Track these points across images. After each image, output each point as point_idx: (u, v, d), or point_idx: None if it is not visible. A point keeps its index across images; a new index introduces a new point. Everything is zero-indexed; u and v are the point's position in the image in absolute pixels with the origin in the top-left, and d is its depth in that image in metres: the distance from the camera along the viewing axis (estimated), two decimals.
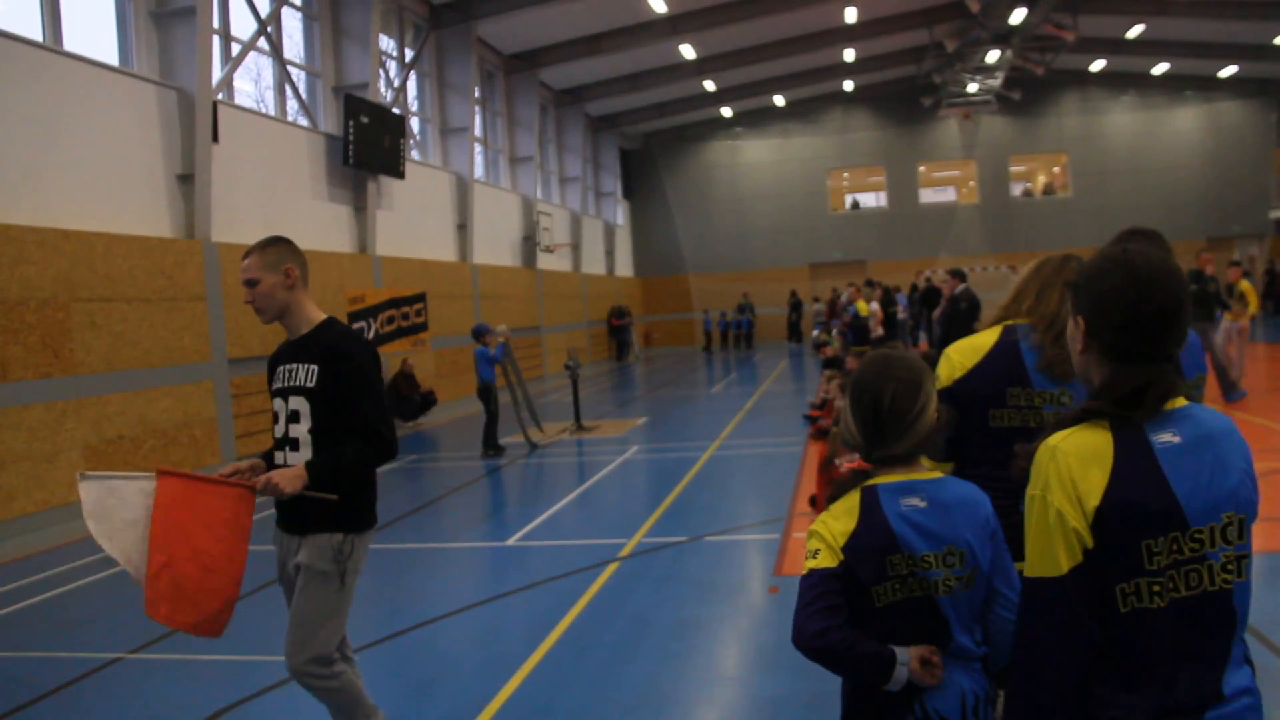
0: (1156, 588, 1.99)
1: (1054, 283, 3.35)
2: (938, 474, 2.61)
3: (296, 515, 4.21)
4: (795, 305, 38.74)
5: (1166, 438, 2.06)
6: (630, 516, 9.95)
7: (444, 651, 6.43)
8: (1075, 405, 2.27)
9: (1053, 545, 2.03)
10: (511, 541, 9.31)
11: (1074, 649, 2.03)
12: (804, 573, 2.52)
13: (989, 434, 3.28)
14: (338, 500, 4.05)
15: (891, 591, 2.46)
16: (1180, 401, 2.12)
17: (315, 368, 4.13)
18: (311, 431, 4.13)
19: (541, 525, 9.88)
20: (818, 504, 8.92)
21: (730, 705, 5.37)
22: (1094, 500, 2.00)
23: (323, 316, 4.35)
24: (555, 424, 17.05)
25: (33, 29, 12.17)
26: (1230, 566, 2.01)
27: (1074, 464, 2.03)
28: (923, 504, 2.49)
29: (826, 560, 2.49)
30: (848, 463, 8.50)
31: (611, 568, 7.95)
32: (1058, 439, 2.08)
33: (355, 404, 4.08)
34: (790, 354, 33.95)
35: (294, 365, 4.20)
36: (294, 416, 4.16)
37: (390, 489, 12.82)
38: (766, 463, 12.64)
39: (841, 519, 2.53)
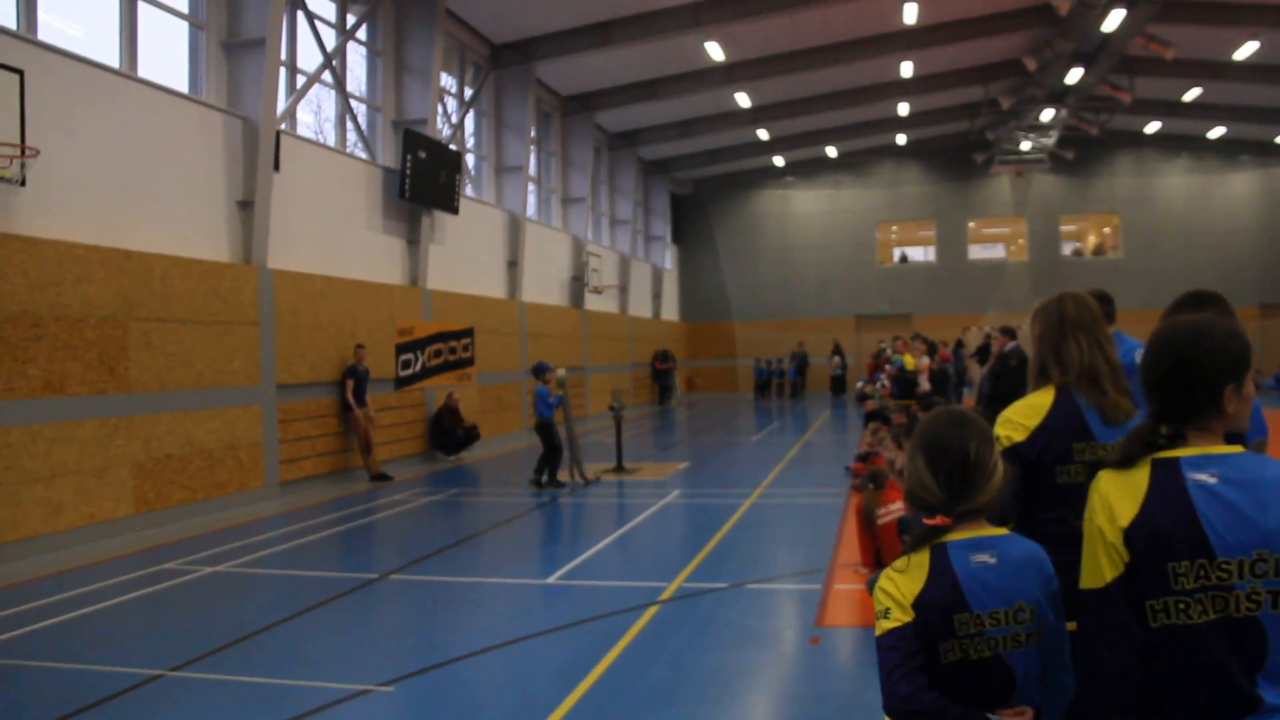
0: (1183, 606, 2.24)
1: (1064, 339, 3.43)
2: (1004, 530, 2.61)
3: None
4: (833, 354, 38.48)
5: (1203, 477, 2.30)
6: (671, 560, 9.93)
7: (478, 689, 6.41)
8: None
9: (1098, 559, 2.35)
10: (551, 580, 9.31)
11: (1123, 651, 2.29)
12: (880, 634, 2.52)
13: (1055, 490, 3.28)
14: None
15: (957, 650, 2.46)
16: (1233, 448, 2.36)
17: None
18: None
19: (582, 565, 9.88)
20: (865, 559, 8.86)
21: None
22: (1124, 521, 2.31)
23: None
24: (596, 465, 17.07)
25: (110, 55, 12.49)
26: (1256, 597, 2.22)
27: (1112, 491, 2.36)
28: (993, 560, 2.50)
29: (900, 617, 2.49)
30: (889, 516, 8.46)
31: (651, 611, 7.92)
32: (1102, 473, 2.43)
33: None
34: (832, 406, 33.82)
35: None
36: None
37: (430, 522, 12.88)
38: (808, 513, 12.58)
39: (910, 575, 2.54)
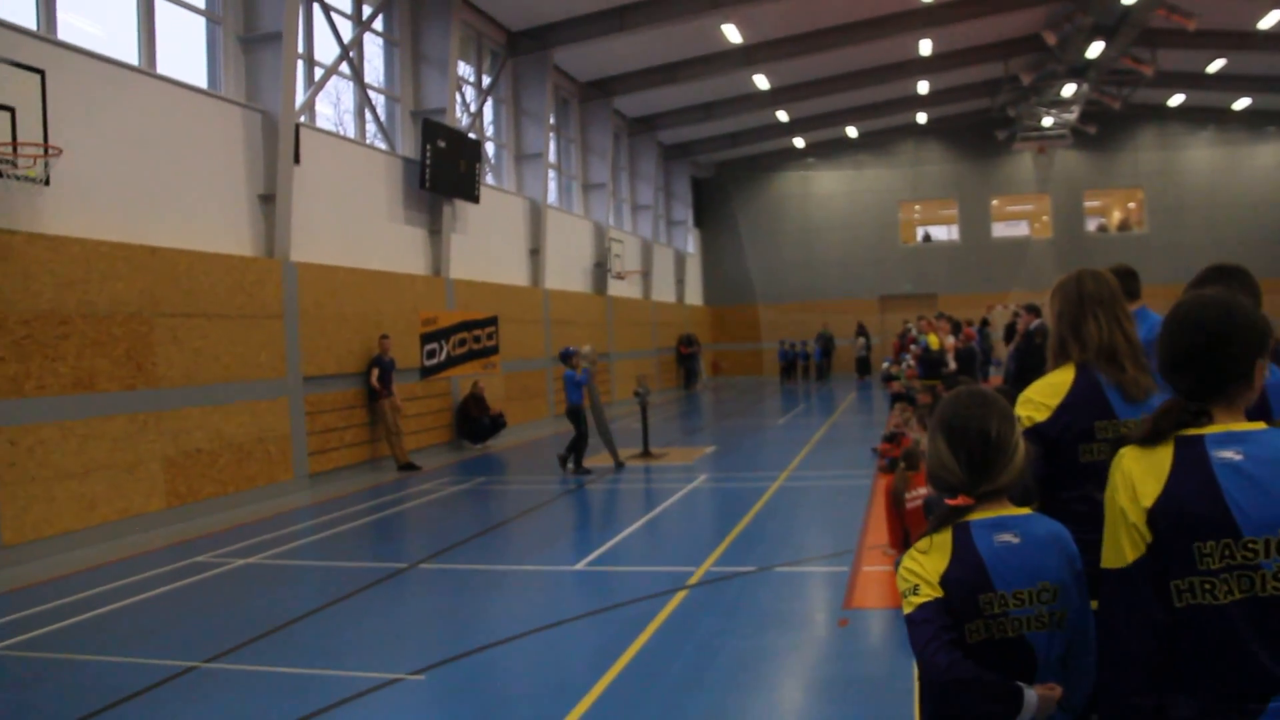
0: (1208, 586, 2.19)
1: (1083, 317, 3.40)
2: (1027, 510, 2.60)
3: None
4: (857, 335, 38.36)
5: (1228, 455, 2.25)
6: (698, 545, 9.94)
7: (508, 676, 6.45)
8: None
9: (1119, 539, 2.30)
10: (579, 566, 9.34)
11: (1143, 631, 2.25)
12: (911, 610, 2.50)
13: (1077, 469, 3.26)
14: None
15: (982, 630, 2.46)
16: (1257, 425, 2.31)
17: None
18: None
19: (609, 551, 9.91)
20: (893, 541, 8.83)
21: None
22: (1148, 501, 2.26)
23: None
24: (622, 450, 17.10)
25: (129, 53, 12.55)
26: None
27: (1135, 470, 2.31)
28: (1016, 540, 2.49)
29: (930, 593, 2.48)
30: (916, 501, 8.42)
31: (679, 596, 7.94)
32: (1125, 450, 2.37)
33: None
34: (858, 387, 33.74)
35: None
36: None
37: (459, 511, 12.94)
38: (835, 495, 12.57)
39: (934, 556, 2.53)
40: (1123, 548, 2.28)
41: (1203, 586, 2.19)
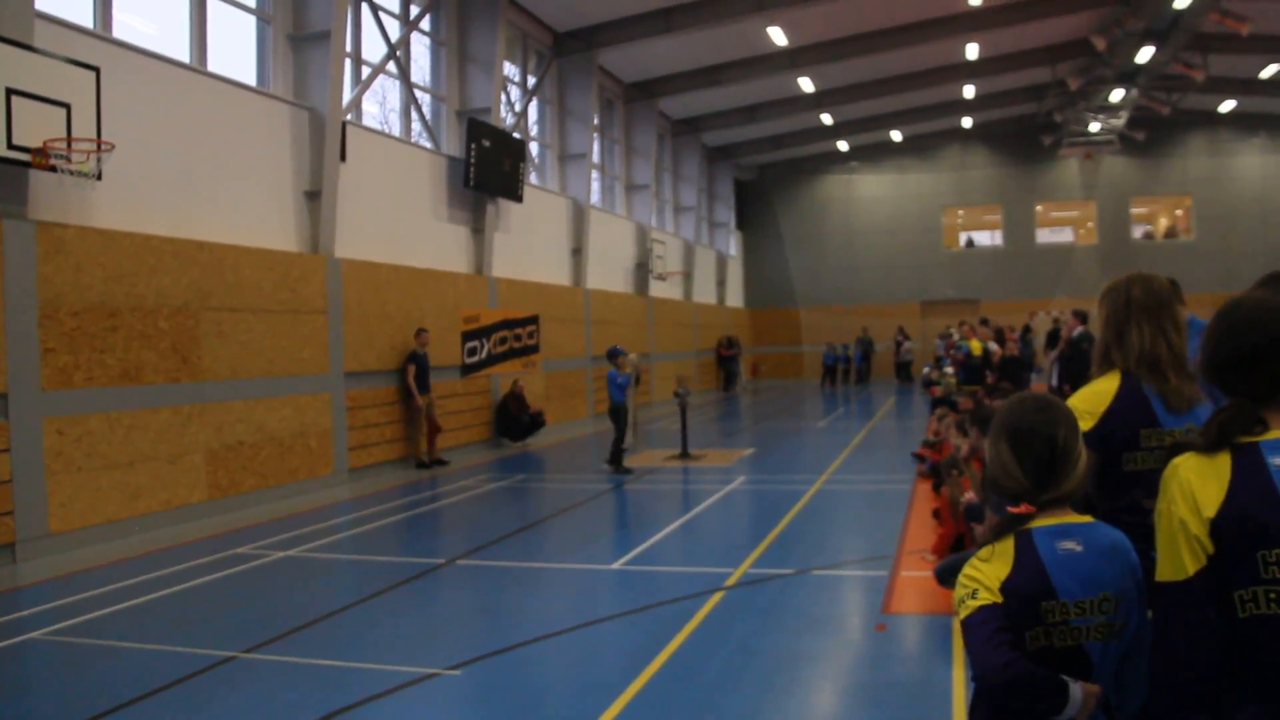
0: (1274, 595, 2.13)
1: (1127, 324, 3.35)
2: (1088, 518, 2.58)
3: None
4: (898, 342, 38.17)
5: None
6: (736, 546, 9.94)
7: (544, 673, 6.47)
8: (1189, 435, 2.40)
9: (1179, 551, 2.22)
10: (617, 565, 9.35)
11: (1204, 646, 2.19)
12: (969, 612, 2.47)
13: (1122, 478, 3.23)
14: None
15: (1042, 637, 2.44)
16: None
17: None
18: None
19: (646, 551, 9.91)
20: (937, 547, 8.79)
21: None
22: (1210, 511, 2.18)
23: None
24: (662, 451, 17.10)
25: (181, 51, 12.73)
26: None
27: (1194, 479, 2.23)
28: (1079, 548, 2.47)
29: (989, 597, 2.46)
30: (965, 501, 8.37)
31: (716, 597, 7.93)
32: (1180, 459, 2.29)
33: None
34: (897, 392, 33.55)
35: None
36: None
37: (496, 507, 12.99)
38: (874, 499, 12.51)
39: (995, 563, 2.51)
40: (1182, 560, 2.21)
41: (1268, 596, 2.14)
